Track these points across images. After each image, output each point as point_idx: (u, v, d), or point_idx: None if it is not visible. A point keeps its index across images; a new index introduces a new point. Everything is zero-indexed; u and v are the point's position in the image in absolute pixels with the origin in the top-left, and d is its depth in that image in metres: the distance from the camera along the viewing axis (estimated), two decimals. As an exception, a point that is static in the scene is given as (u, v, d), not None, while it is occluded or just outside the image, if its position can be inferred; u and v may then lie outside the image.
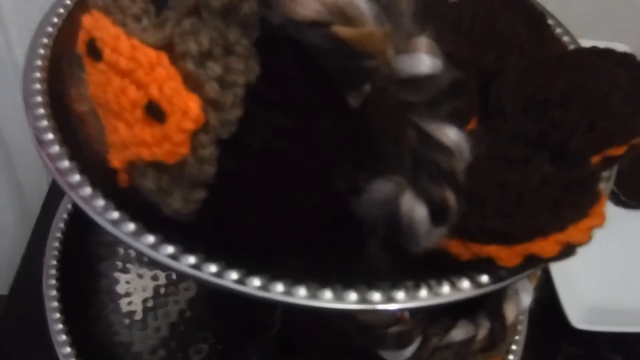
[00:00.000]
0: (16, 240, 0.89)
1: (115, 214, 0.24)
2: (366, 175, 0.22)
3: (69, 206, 0.46)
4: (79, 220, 0.45)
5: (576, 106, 0.29)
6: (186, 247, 0.23)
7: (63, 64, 0.32)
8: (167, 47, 0.20)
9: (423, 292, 0.23)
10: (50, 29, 0.33)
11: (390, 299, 0.23)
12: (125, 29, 0.20)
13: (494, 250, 0.23)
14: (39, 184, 0.86)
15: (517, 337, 0.43)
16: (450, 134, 0.19)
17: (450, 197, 0.20)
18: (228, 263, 0.23)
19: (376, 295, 0.23)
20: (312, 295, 0.22)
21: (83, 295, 0.43)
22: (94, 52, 0.21)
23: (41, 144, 0.26)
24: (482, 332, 0.32)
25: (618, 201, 0.61)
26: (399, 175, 0.21)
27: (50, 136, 0.27)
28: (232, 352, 0.45)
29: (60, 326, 0.39)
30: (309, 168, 0.21)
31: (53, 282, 0.41)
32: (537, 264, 0.24)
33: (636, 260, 0.58)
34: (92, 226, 0.44)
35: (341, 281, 0.23)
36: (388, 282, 0.23)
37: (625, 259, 0.58)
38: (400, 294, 0.23)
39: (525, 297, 0.33)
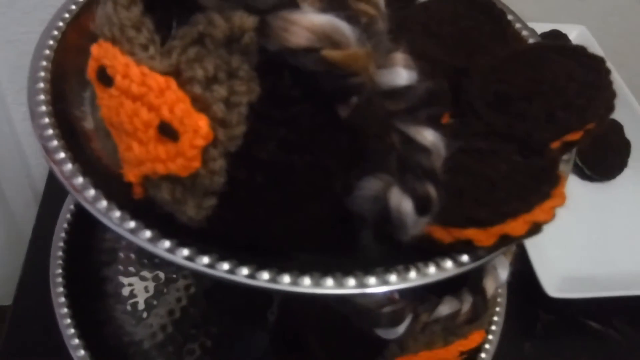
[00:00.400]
0: (9, 251, 0.90)
1: (132, 223, 0.26)
2: (357, 175, 0.25)
3: (68, 215, 0.48)
4: (79, 230, 0.47)
5: (537, 99, 0.32)
6: (199, 249, 0.26)
7: (64, 84, 0.34)
8: (174, 72, 0.22)
9: (412, 274, 0.26)
10: (47, 52, 0.35)
11: (384, 282, 0.26)
12: (134, 58, 0.23)
13: (472, 233, 0.26)
14: (26, 196, 0.87)
15: (497, 309, 0.46)
16: (428, 136, 0.22)
17: (432, 191, 0.23)
18: (239, 261, 0.25)
19: (372, 280, 0.26)
20: (316, 284, 0.25)
21: (90, 300, 0.45)
22: (105, 78, 0.24)
23: (55, 163, 0.29)
24: (466, 306, 0.35)
25: (583, 175, 0.65)
26: (386, 174, 0.24)
27: (62, 155, 0.29)
28: (232, 345, 0.48)
29: (72, 330, 0.41)
30: (308, 173, 0.24)
31: (60, 289, 0.43)
32: (509, 242, 0.27)
33: (601, 229, 0.62)
34: (93, 235, 0.47)
35: (340, 269, 0.26)
36: (381, 267, 0.26)
37: (592, 229, 0.61)
38: (392, 277, 0.26)
39: (502, 271, 0.36)
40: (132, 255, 0.49)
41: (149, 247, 0.26)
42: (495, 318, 0.45)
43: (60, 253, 0.46)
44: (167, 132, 0.22)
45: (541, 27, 0.73)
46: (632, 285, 0.57)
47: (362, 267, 0.26)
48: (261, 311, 0.50)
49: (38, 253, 0.54)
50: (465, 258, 0.27)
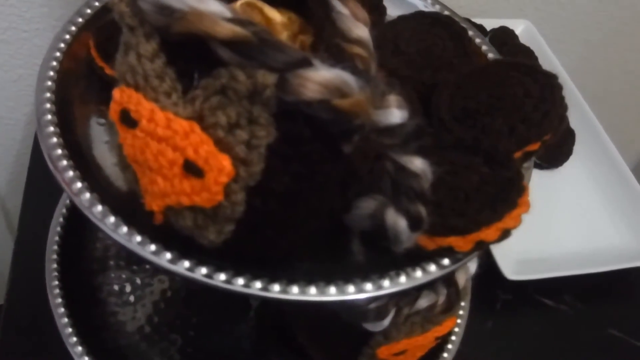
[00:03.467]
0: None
1: (153, 246, 0.29)
2: (353, 196, 0.28)
3: (61, 219, 0.50)
4: (73, 236, 0.49)
5: (499, 114, 0.36)
6: (217, 267, 0.29)
7: (71, 105, 0.36)
8: (197, 118, 0.25)
9: (403, 279, 0.30)
10: (51, 73, 0.37)
11: (379, 287, 0.30)
12: (158, 104, 0.26)
13: (452, 241, 0.30)
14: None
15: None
16: (418, 164, 0.26)
17: (422, 210, 0.27)
18: (253, 275, 0.29)
19: (368, 286, 0.30)
20: (322, 292, 0.29)
21: (86, 304, 0.48)
22: (129, 121, 0.26)
23: (74, 194, 0.31)
24: (442, 298, 0.39)
25: (534, 164, 0.70)
26: (379, 195, 0.28)
27: (79, 185, 0.32)
28: (214, 335, 0.51)
29: (75, 339, 0.44)
30: (314, 197, 0.27)
31: (57, 291, 0.45)
32: (483, 247, 0.31)
33: (550, 214, 0.67)
34: (86, 242, 0.49)
35: (340, 277, 0.30)
36: (376, 273, 0.30)
37: (542, 214, 0.66)
38: (386, 282, 0.30)
39: (472, 265, 0.41)
40: (121, 263, 0.51)
41: (170, 267, 0.29)
42: (463, 303, 0.50)
43: (54, 264, 0.48)
44: (192, 170, 0.25)
45: (489, 23, 0.78)
46: (579, 264, 0.62)
47: (358, 273, 0.30)
48: (242, 302, 0.53)
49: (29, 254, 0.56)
50: (446, 261, 0.31)
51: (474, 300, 0.54)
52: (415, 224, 0.27)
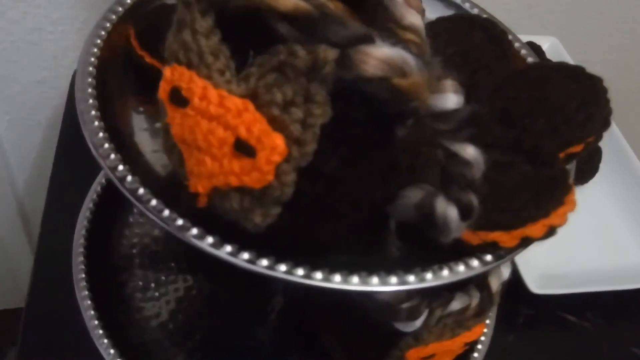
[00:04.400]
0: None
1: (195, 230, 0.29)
2: (399, 185, 0.28)
3: (88, 213, 0.50)
4: (99, 233, 0.49)
5: (541, 115, 0.36)
6: (259, 253, 0.28)
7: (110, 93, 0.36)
8: (251, 96, 0.25)
9: (445, 272, 0.30)
10: (92, 59, 0.37)
11: (422, 280, 0.29)
12: (212, 81, 0.25)
13: (497, 236, 0.30)
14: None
15: (496, 303, 0.50)
16: (470, 151, 0.26)
17: (474, 199, 0.26)
18: (295, 262, 0.28)
19: (411, 277, 0.29)
20: (364, 282, 0.29)
21: (111, 299, 0.47)
22: (179, 100, 0.26)
23: (116, 177, 0.31)
24: (475, 301, 0.39)
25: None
26: (426, 184, 0.28)
27: (121, 168, 0.31)
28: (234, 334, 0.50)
29: (101, 331, 0.43)
30: (359, 184, 0.27)
31: (85, 293, 0.45)
32: (529, 244, 0.31)
33: (576, 229, 0.66)
34: (112, 239, 0.49)
35: (382, 269, 0.29)
36: (419, 267, 0.30)
37: (568, 229, 0.65)
38: (429, 275, 0.29)
39: (505, 270, 0.40)
40: (146, 260, 0.51)
41: (212, 250, 0.28)
42: (492, 311, 0.49)
43: (81, 257, 0.47)
44: (243, 149, 0.25)
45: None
46: (604, 281, 0.61)
47: (401, 266, 0.30)
48: (264, 301, 0.52)
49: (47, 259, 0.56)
50: (489, 257, 0.31)
51: (497, 313, 0.53)
52: (466, 212, 0.26)
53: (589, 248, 0.65)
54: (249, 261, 0.28)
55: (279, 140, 0.24)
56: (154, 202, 0.30)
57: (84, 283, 0.45)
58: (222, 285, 0.52)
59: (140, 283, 0.49)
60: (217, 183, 0.26)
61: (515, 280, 0.58)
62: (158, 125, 0.34)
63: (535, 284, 0.59)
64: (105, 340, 0.42)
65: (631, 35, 0.92)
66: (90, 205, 0.50)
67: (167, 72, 0.26)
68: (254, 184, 0.25)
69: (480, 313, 0.40)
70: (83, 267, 0.46)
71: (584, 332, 0.62)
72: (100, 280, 0.47)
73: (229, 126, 0.25)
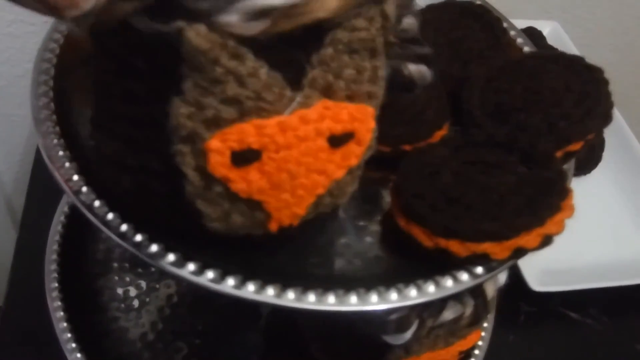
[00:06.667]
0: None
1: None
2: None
3: (60, 227, 0.47)
4: (75, 237, 0.47)
5: (536, 109, 0.33)
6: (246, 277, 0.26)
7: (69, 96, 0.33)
8: (322, 93, 0.23)
9: (431, 288, 0.27)
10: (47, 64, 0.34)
11: (405, 297, 0.27)
12: (281, 112, 0.23)
13: (488, 247, 0.27)
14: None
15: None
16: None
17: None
18: (266, 281, 0.26)
19: (393, 295, 0.27)
20: (341, 302, 0.26)
21: (87, 308, 0.45)
22: (246, 158, 0.23)
23: (72, 191, 0.28)
24: (468, 310, 0.36)
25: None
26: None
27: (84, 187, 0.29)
28: (221, 344, 0.48)
29: (74, 345, 0.41)
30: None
31: (56, 293, 0.43)
32: (522, 255, 0.28)
33: (578, 223, 0.64)
34: (88, 244, 0.46)
35: (361, 286, 0.27)
36: (402, 282, 0.27)
37: (569, 223, 0.63)
38: (412, 291, 0.27)
39: (502, 276, 0.37)
40: (126, 265, 0.49)
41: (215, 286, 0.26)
42: (489, 316, 0.47)
43: (53, 265, 0.45)
44: (340, 140, 0.24)
45: (516, 24, 0.75)
46: (606, 276, 0.59)
47: (382, 281, 0.27)
48: (251, 310, 0.50)
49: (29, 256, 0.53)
50: (479, 270, 0.28)
51: (495, 313, 0.51)
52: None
53: (592, 243, 0.62)
54: (235, 287, 0.26)
55: (368, 109, 0.24)
56: (124, 227, 0.27)
57: (56, 293, 0.43)
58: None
59: (119, 292, 0.47)
60: (319, 192, 0.25)
61: (516, 278, 0.56)
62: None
63: (536, 281, 0.57)
64: (79, 355, 0.40)
65: (635, 19, 0.89)
66: (65, 208, 0.48)
67: (214, 144, 0.22)
68: (356, 159, 0.25)
69: (475, 322, 0.37)
70: (56, 275, 0.44)
71: (586, 329, 0.60)
72: (75, 288, 0.45)
73: (319, 133, 0.23)
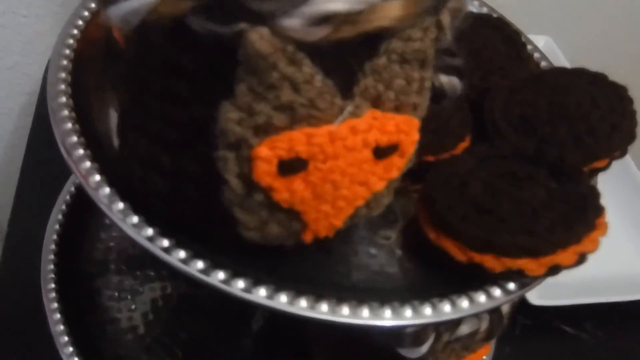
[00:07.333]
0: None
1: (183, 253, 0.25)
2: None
3: (60, 216, 0.46)
4: (72, 236, 0.45)
5: (562, 124, 0.33)
6: (256, 281, 0.25)
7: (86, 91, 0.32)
8: (371, 103, 0.23)
9: (465, 303, 0.27)
10: (67, 51, 0.33)
11: (439, 313, 0.26)
12: (331, 121, 0.22)
13: (524, 263, 0.27)
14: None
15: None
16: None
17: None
18: (297, 292, 0.25)
19: (427, 310, 0.26)
20: (375, 316, 0.25)
21: (83, 310, 0.44)
22: (293, 167, 0.22)
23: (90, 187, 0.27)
24: (484, 324, 0.36)
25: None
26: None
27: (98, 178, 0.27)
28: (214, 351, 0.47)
29: (71, 349, 0.39)
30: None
31: (53, 295, 0.41)
32: (557, 272, 0.28)
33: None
34: (85, 244, 0.45)
35: (397, 300, 0.26)
36: (436, 296, 0.26)
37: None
38: (447, 307, 0.26)
39: (517, 290, 0.37)
40: (123, 267, 0.47)
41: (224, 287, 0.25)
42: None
43: (50, 265, 0.43)
44: (384, 152, 0.23)
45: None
46: (603, 291, 0.59)
47: (416, 294, 0.27)
48: (249, 314, 0.49)
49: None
50: (512, 286, 0.28)
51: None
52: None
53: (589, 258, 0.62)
54: (245, 290, 0.25)
55: (413, 121, 0.24)
56: (134, 218, 0.26)
57: (53, 294, 0.41)
58: (204, 294, 0.48)
59: (116, 294, 0.45)
60: (358, 204, 0.25)
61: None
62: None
63: (534, 295, 0.57)
64: (76, 359, 0.39)
65: (625, 35, 0.90)
66: (63, 207, 0.46)
67: (262, 151, 0.21)
68: (399, 171, 0.25)
69: (489, 336, 0.37)
70: (53, 275, 0.42)
71: (581, 344, 0.60)
72: (72, 290, 0.44)
73: (366, 144, 0.23)
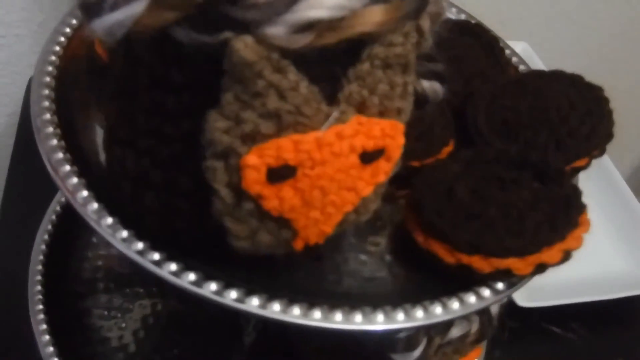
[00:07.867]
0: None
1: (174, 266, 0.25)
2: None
3: (46, 236, 0.45)
4: (59, 255, 0.45)
5: (543, 127, 0.34)
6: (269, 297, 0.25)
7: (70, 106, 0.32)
8: (356, 109, 0.23)
9: (455, 304, 0.27)
10: (49, 68, 0.33)
11: (430, 315, 0.26)
12: (318, 128, 0.22)
13: (511, 263, 0.27)
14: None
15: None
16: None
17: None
18: (290, 300, 0.25)
19: (419, 312, 0.26)
20: (368, 321, 0.25)
21: (72, 330, 0.43)
22: (281, 174, 0.22)
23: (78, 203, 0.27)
24: (475, 327, 0.36)
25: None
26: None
27: (85, 194, 0.27)
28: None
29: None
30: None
31: (43, 327, 0.41)
32: (543, 270, 0.28)
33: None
34: (73, 261, 0.44)
35: (389, 304, 0.26)
36: (427, 299, 0.27)
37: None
38: (438, 309, 0.27)
39: (506, 291, 0.37)
40: (111, 285, 0.47)
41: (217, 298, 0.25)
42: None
43: (38, 286, 0.43)
44: (371, 156, 0.23)
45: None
46: (588, 291, 0.60)
47: (407, 298, 0.27)
48: (240, 329, 0.49)
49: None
50: (500, 286, 0.28)
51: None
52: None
53: (573, 259, 0.63)
54: (238, 300, 0.25)
55: (398, 125, 0.24)
56: (124, 233, 0.26)
57: (41, 315, 0.41)
58: (195, 310, 0.48)
59: (106, 312, 0.45)
60: (347, 210, 0.25)
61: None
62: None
63: (521, 297, 0.57)
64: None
65: (597, 39, 0.92)
66: (49, 227, 0.46)
67: (250, 159, 0.21)
68: (385, 175, 0.25)
69: (480, 339, 0.37)
70: (40, 297, 0.42)
71: (569, 344, 0.60)
72: (60, 310, 0.43)
73: (352, 149, 0.23)
